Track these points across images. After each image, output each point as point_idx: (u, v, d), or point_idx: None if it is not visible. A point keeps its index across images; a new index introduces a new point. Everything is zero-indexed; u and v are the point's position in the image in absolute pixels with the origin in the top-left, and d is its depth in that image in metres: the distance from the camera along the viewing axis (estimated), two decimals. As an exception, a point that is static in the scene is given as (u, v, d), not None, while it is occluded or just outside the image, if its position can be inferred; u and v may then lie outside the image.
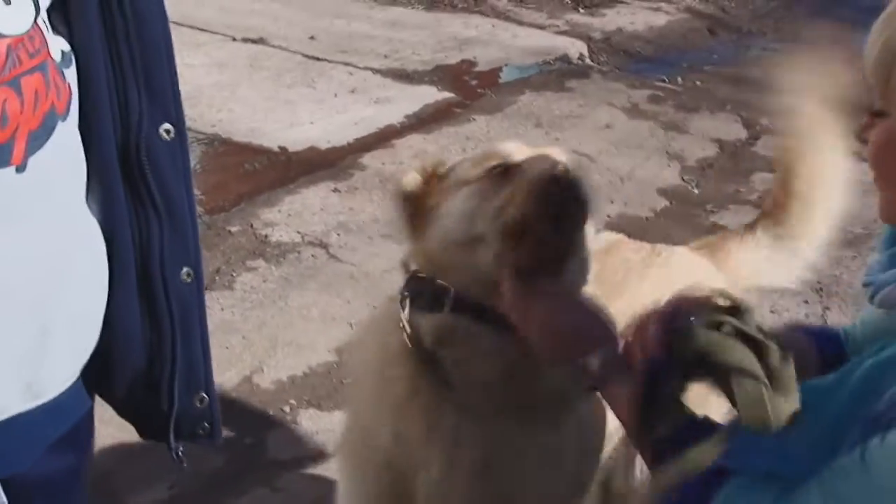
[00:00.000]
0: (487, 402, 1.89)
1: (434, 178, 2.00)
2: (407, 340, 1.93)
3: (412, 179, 1.99)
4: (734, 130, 6.32)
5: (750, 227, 2.80)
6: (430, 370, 1.91)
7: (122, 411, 1.86)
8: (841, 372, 1.70)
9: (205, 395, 1.86)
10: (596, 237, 2.02)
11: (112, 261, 1.69)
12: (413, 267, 1.98)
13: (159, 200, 1.69)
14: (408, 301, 1.93)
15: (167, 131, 1.68)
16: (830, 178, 2.65)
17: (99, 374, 1.74)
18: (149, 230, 1.70)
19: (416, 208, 1.98)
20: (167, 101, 1.68)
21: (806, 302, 4.50)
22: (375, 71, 6.98)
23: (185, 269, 1.76)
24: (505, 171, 1.87)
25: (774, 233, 2.75)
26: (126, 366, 1.76)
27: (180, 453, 1.90)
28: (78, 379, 1.69)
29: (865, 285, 1.71)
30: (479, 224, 1.84)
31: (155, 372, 1.78)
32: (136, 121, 1.64)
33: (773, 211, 2.76)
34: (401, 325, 1.94)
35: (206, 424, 1.89)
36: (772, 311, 4.41)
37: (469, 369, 1.87)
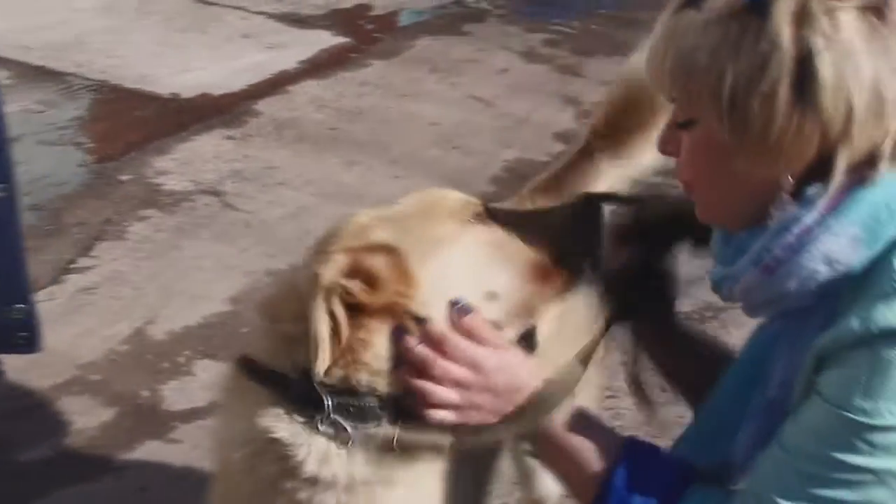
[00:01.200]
0: None
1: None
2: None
3: (359, 290, 1.60)
4: (629, 74, 6.35)
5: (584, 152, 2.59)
6: None
7: None
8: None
9: (22, 305, 1.84)
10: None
11: None
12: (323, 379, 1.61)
13: None
14: (327, 420, 1.61)
15: None
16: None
17: None
18: None
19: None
20: None
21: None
22: (269, 15, 6.85)
23: None
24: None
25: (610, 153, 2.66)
26: None
27: None
28: None
29: (717, 285, 1.63)
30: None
31: None
32: None
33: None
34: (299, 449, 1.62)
35: (24, 334, 1.87)
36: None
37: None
